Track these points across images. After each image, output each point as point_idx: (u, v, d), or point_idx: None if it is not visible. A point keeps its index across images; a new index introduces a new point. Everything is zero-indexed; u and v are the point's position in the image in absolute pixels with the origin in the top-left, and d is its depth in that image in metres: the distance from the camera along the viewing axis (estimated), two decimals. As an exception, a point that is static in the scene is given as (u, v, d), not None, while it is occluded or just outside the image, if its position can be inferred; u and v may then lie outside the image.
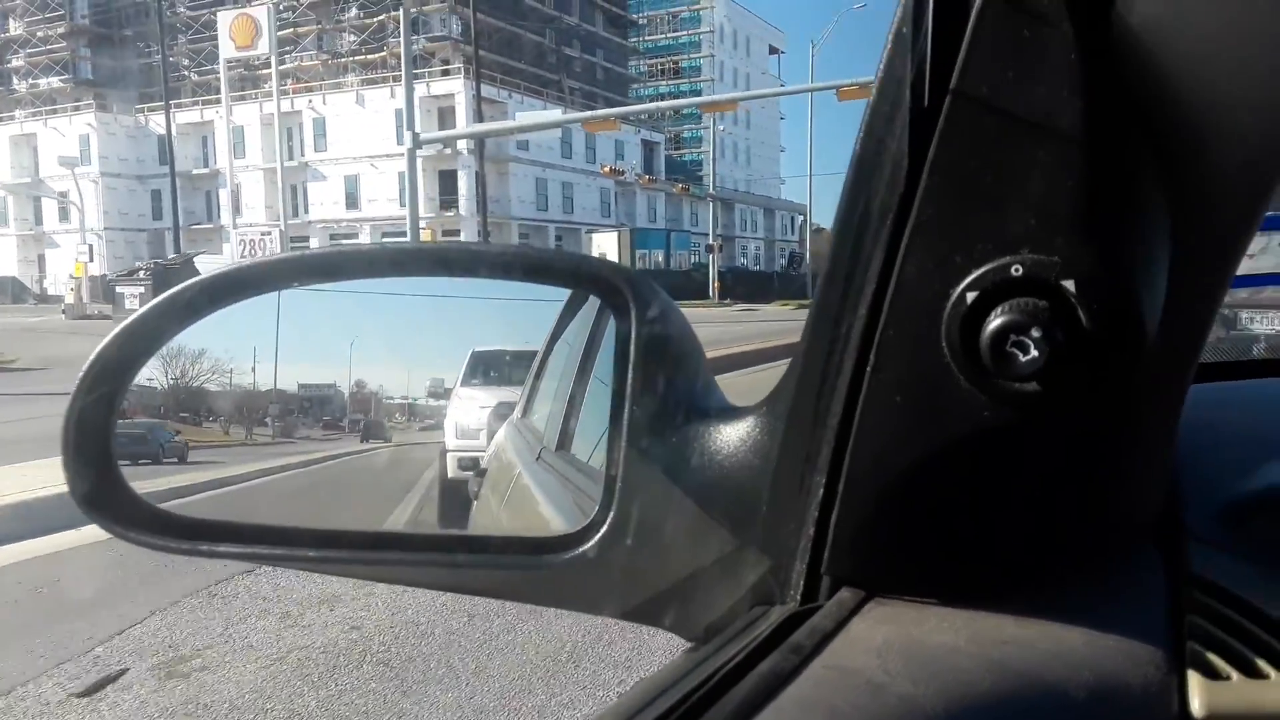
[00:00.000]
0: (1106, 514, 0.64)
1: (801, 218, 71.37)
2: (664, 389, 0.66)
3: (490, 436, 0.80)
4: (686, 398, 0.68)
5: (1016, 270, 0.52)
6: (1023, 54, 0.50)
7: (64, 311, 36.72)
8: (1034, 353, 0.51)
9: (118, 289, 33.54)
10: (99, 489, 0.68)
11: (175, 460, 0.79)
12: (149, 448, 0.76)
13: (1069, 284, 0.51)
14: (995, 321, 0.51)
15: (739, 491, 0.65)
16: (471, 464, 0.77)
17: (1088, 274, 0.51)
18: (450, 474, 0.75)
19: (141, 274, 33.76)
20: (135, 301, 29.67)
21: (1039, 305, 0.51)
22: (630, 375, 0.66)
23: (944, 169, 0.52)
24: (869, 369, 0.57)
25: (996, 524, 0.60)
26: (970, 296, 0.52)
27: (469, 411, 0.74)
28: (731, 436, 0.66)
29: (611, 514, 0.66)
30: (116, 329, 0.67)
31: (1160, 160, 0.53)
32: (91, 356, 0.67)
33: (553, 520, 0.81)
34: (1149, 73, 0.50)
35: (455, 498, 0.76)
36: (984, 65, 0.51)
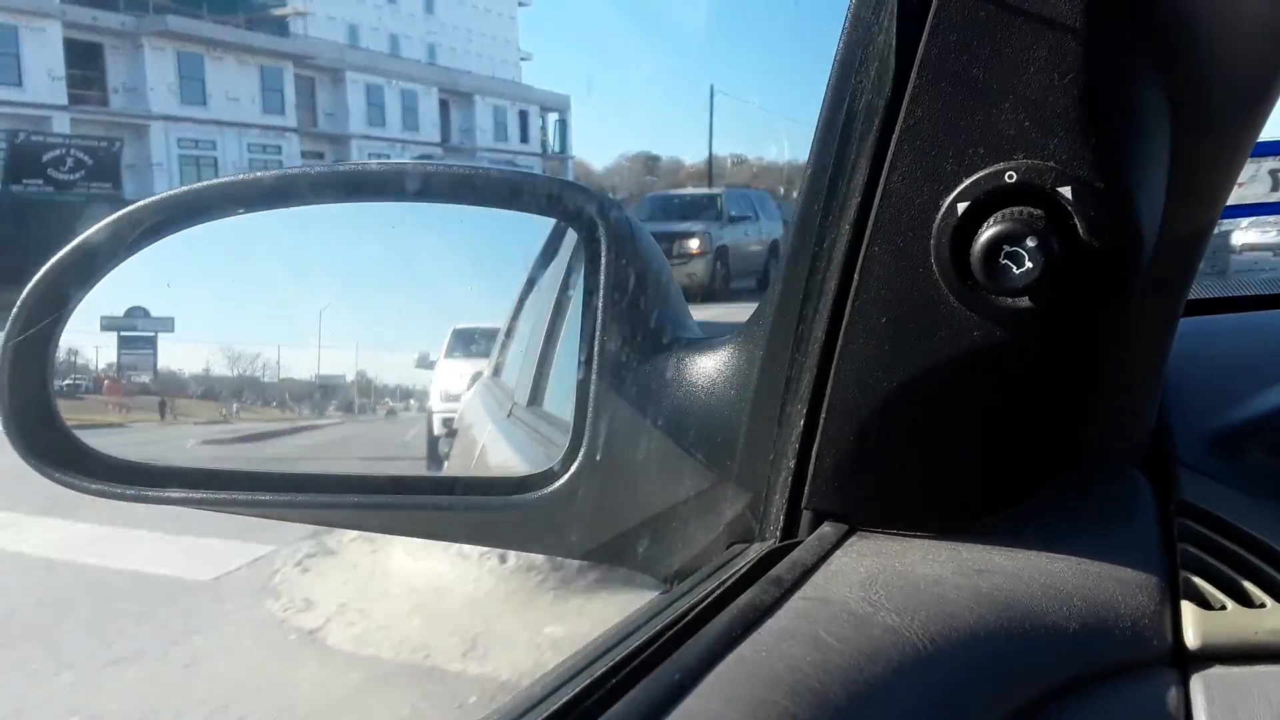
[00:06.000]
0: (1094, 440, 0.62)
1: (558, 116, 54.87)
2: (635, 317, 0.63)
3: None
4: (659, 327, 0.64)
5: (1010, 177, 0.48)
6: None
7: None
8: (1029, 264, 0.48)
9: None
10: (38, 433, 0.64)
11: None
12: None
13: (1065, 190, 0.48)
14: (988, 232, 0.48)
15: (715, 424, 0.62)
16: (450, 427, 0.81)
17: (1086, 180, 0.48)
18: (435, 431, 0.79)
19: None
20: None
21: (1034, 214, 0.48)
22: (600, 302, 0.63)
23: (934, 66, 0.49)
24: (853, 288, 0.54)
25: (982, 451, 0.57)
26: (961, 207, 0.49)
27: (451, 379, 0.79)
28: (707, 367, 0.63)
29: (583, 449, 0.63)
30: (51, 260, 0.63)
31: (1161, 63, 0.50)
32: (24, 293, 0.63)
33: (522, 470, 0.80)
34: None
35: (437, 453, 0.81)
36: None
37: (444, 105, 47.46)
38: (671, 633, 0.47)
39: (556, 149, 55.29)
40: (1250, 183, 0.94)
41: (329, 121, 42.39)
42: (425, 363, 0.77)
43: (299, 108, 40.35)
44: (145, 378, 0.73)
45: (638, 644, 0.48)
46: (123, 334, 0.71)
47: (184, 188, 0.67)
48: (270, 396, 0.75)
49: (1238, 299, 1.04)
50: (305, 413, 0.76)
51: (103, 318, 0.69)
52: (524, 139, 52.36)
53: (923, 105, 0.50)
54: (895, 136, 0.50)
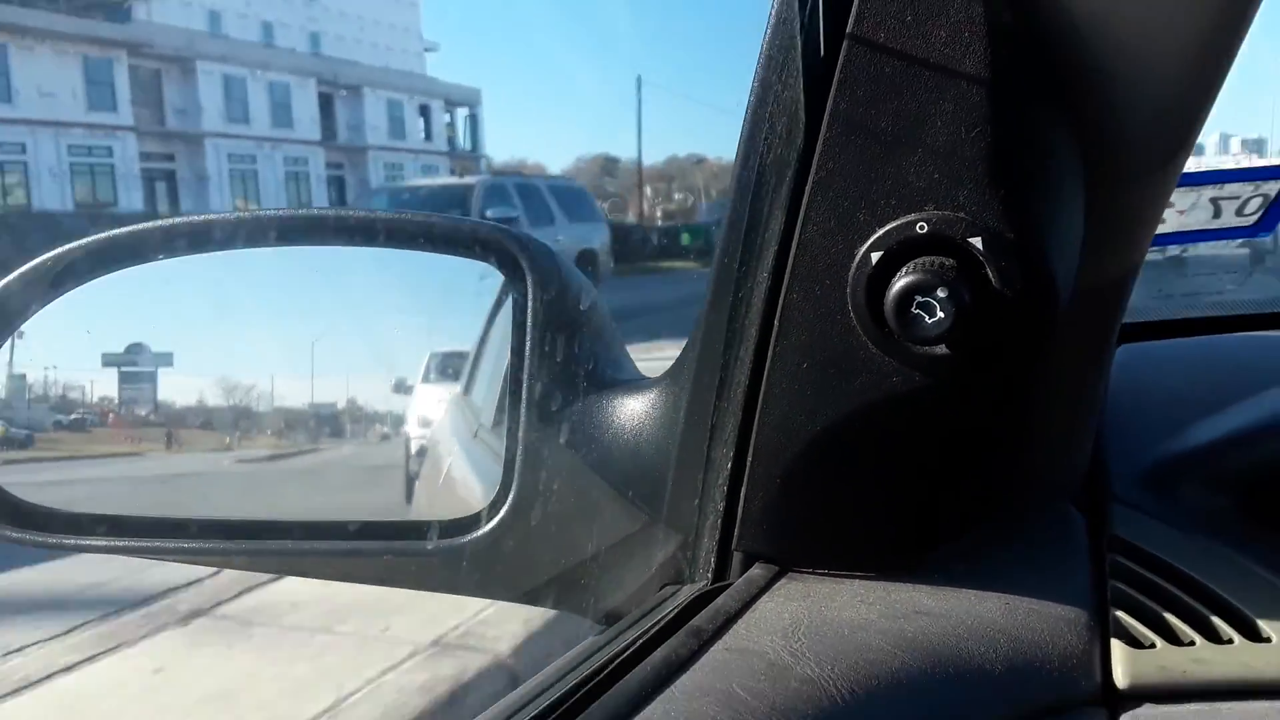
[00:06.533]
0: (1026, 478, 0.62)
1: (468, 111, 48.36)
2: (563, 358, 0.63)
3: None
4: (588, 368, 0.64)
5: (921, 228, 0.48)
6: None
7: None
8: (940, 314, 0.48)
9: None
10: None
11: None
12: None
13: (976, 241, 0.48)
14: (900, 282, 0.48)
15: (645, 466, 0.62)
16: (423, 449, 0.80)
17: (995, 230, 0.48)
18: (412, 452, 0.78)
19: None
20: None
21: (945, 264, 0.48)
22: (528, 345, 0.62)
23: (844, 119, 0.49)
24: (773, 334, 0.54)
25: (911, 491, 0.57)
26: (875, 256, 0.49)
27: (429, 404, 0.79)
28: (636, 409, 0.62)
29: (511, 493, 0.62)
30: None
31: (1070, 110, 0.50)
32: None
33: (483, 496, 0.80)
34: (1056, 16, 0.47)
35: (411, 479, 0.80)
36: (881, 6, 0.48)
37: (326, 100, 41.65)
38: (588, 687, 0.47)
39: (467, 147, 48.90)
40: (1191, 210, 0.95)
41: (180, 119, 36.52)
42: (403, 388, 0.77)
43: (140, 104, 34.60)
44: (144, 410, 0.73)
45: (559, 694, 0.48)
46: (123, 369, 0.71)
47: (111, 233, 0.66)
48: (265, 425, 0.75)
49: (1183, 322, 1.04)
50: (299, 440, 0.76)
51: (104, 354, 0.70)
52: (427, 136, 46.35)
53: (834, 158, 0.50)
54: (809, 188, 0.51)
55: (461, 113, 49.60)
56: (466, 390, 0.88)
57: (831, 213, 0.50)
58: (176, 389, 0.75)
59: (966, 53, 0.47)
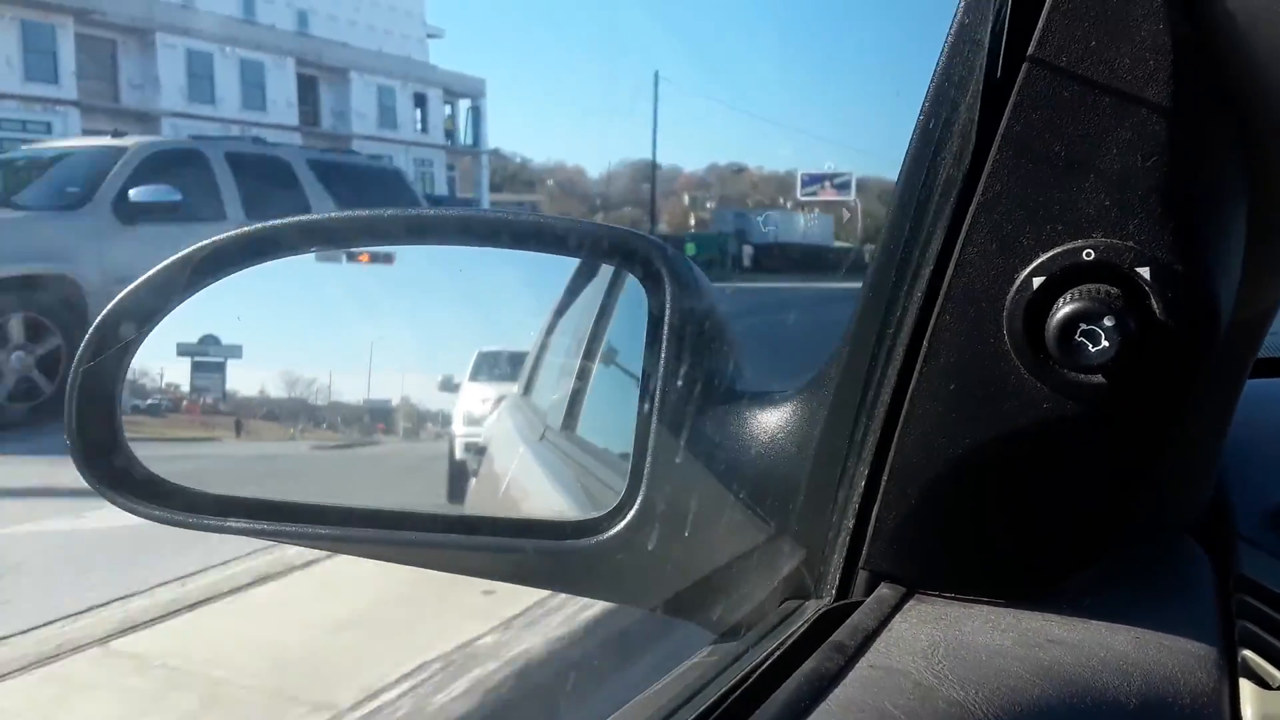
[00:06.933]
0: (1156, 511, 0.62)
1: (471, 103, 44.54)
2: (696, 369, 0.63)
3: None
4: (720, 380, 0.65)
5: (1088, 255, 0.48)
6: (1107, 20, 0.47)
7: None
8: (1104, 343, 0.48)
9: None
10: (103, 459, 0.65)
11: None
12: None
13: (1143, 270, 0.48)
14: (1065, 309, 0.48)
15: (774, 480, 0.62)
16: (476, 447, 0.81)
17: (1164, 261, 0.48)
18: (458, 456, 0.79)
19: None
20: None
21: (1111, 292, 0.48)
22: (664, 353, 0.63)
23: (1016, 142, 0.49)
24: (922, 354, 0.54)
25: (1043, 519, 0.57)
26: (1037, 281, 0.49)
27: (475, 403, 0.79)
28: (768, 423, 0.63)
29: (639, 499, 0.63)
30: (126, 290, 0.64)
31: (1244, 144, 0.50)
32: (97, 320, 0.64)
33: (560, 503, 0.81)
34: (1239, 51, 0.47)
35: (462, 478, 0.80)
36: (1065, 30, 0.47)
37: (310, 82, 38.09)
38: (735, 695, 0.47)
39: (469, 141, 45.21)
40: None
41: (135, 95, 33.27)
42: (449, 385, 0.78)
43: (89, 77, 31.52)
44: (212, 399, 0.76)
45: (704, 706, 0.48)
46: (195, 359, 0.74)
47: (255, 226, 0.68)
48: (322, 418, 0.77)
49: None
50: (355, 434, 0.78)
51: (178, 344, 0.72)
52: (422, 127, 42.44)
53: (1001, 179, 0.50)
54: (972, 208, 0.51)
55: (464, 104, 45.70)
56: (526, 391, 0.88)
57: (994, 235, 0.50)
58: (243, 380, 0.78)
59: (1150, 79, 0.47)
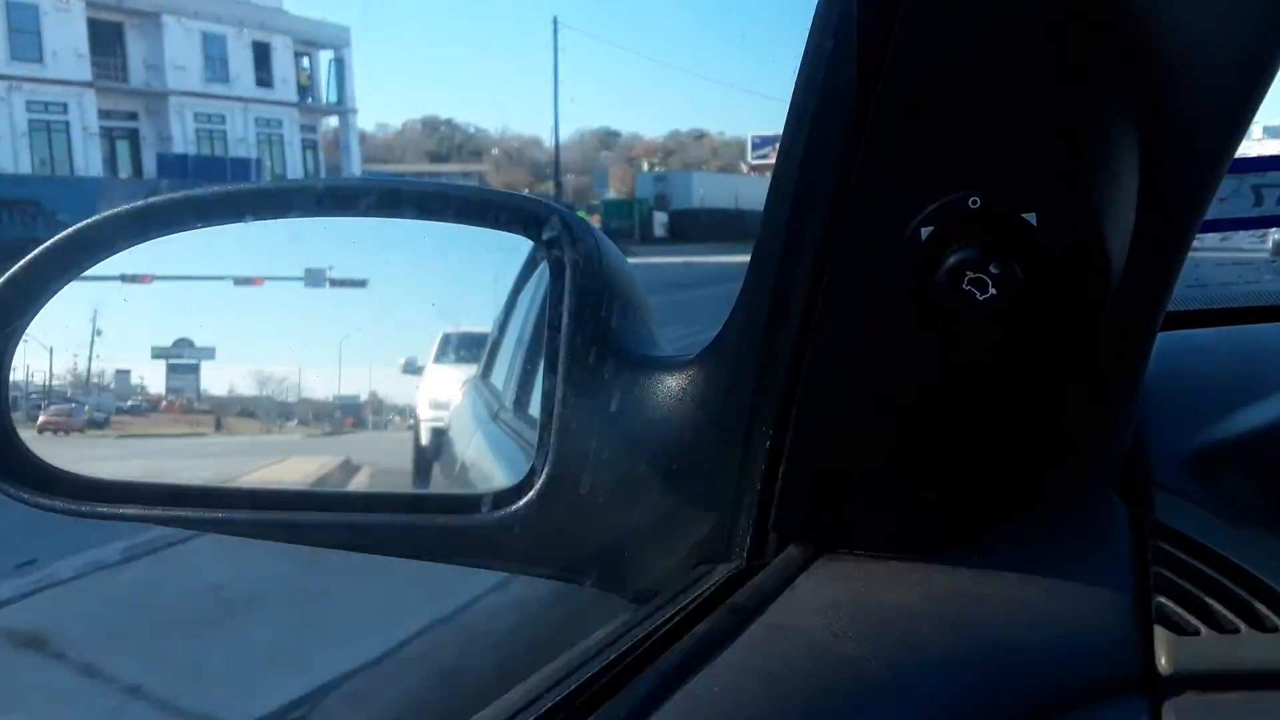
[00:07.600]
0: (1069, 462, 0.61)
1: (334, 54, 37.58)
2: (600, 334, 0.62)
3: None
4: (625, 344, 0.63)
5: (974, 203, 0.48)
6: None
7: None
8: (992, 290, 0.47)
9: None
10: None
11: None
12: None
13: (1029, 216, 0.47)
14: (952, 258, 0.48)
15: (681, 444, 0.61)
16: (439, 431, 0.80)
17: (1050, 204, 0.47)
18: (424, 441, 0.78)
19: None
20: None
21: (998, 239, 0.47)
22: (565, 319, 0.62)
23: (896, 95, 0.48)
24: (818, 311, 0.53)
25: (952, 474, 0.56)
26: (925, 232, 0.48)
27: (440, 385, 0.78)
28: (673, 386, 0.62)
29: (546, 468, 0.62)
30: (11, 269, 0.62)
31: (1130, 75, 0.49)
32: None
33: (503, 479, 0.79)
34: None
35: (426, 462, 0.80)
36: None
37: (114, 29, 31.31)
38: (627, 661, 0.47)
39: (332, 99, 38.11)
40: (1233, 198, 0.94)
41: None
42: (413, 368, 0.76)
43: None
44: (189, 399, 0.77)
45: (595, 670, 0.47)
46: (170, 361, 0.75)
47: (134, 204, 0.66)
48: (294, 413, 0.78)
49: (1220, 312, 1.03)
50: (326, 428, 0.78)
51: (153, 348, 0.75)
52: (265, 82, 34.87)
53: (885, 134, 0.49)
54: (858, 162, 0.50)
55: (325, 56, 38.39)
56: (485, 373, 0.87)
57: (882, 187, 0.49)
58: (216, 380, 0.78)
59: (1026, 25, 0.46)
